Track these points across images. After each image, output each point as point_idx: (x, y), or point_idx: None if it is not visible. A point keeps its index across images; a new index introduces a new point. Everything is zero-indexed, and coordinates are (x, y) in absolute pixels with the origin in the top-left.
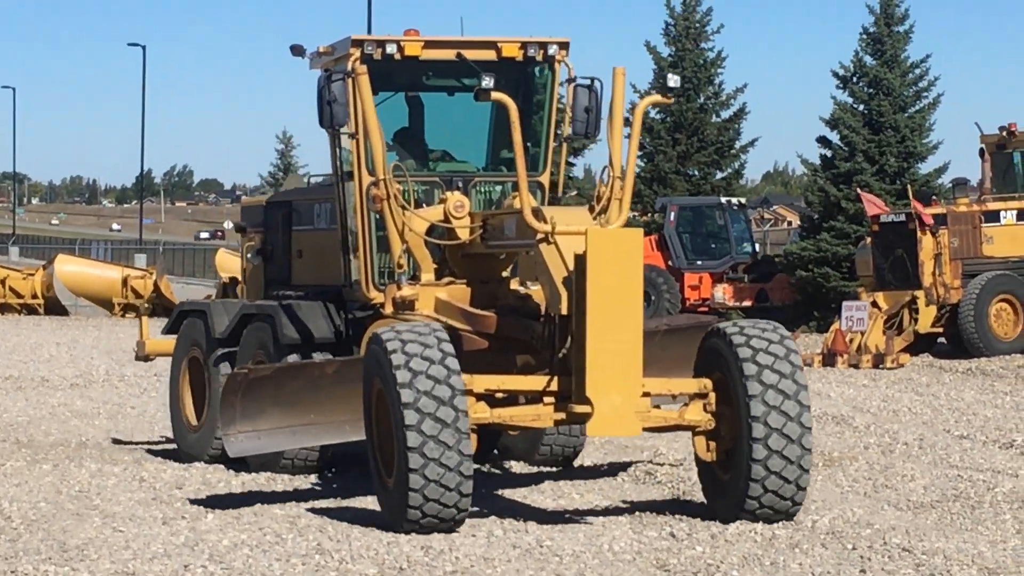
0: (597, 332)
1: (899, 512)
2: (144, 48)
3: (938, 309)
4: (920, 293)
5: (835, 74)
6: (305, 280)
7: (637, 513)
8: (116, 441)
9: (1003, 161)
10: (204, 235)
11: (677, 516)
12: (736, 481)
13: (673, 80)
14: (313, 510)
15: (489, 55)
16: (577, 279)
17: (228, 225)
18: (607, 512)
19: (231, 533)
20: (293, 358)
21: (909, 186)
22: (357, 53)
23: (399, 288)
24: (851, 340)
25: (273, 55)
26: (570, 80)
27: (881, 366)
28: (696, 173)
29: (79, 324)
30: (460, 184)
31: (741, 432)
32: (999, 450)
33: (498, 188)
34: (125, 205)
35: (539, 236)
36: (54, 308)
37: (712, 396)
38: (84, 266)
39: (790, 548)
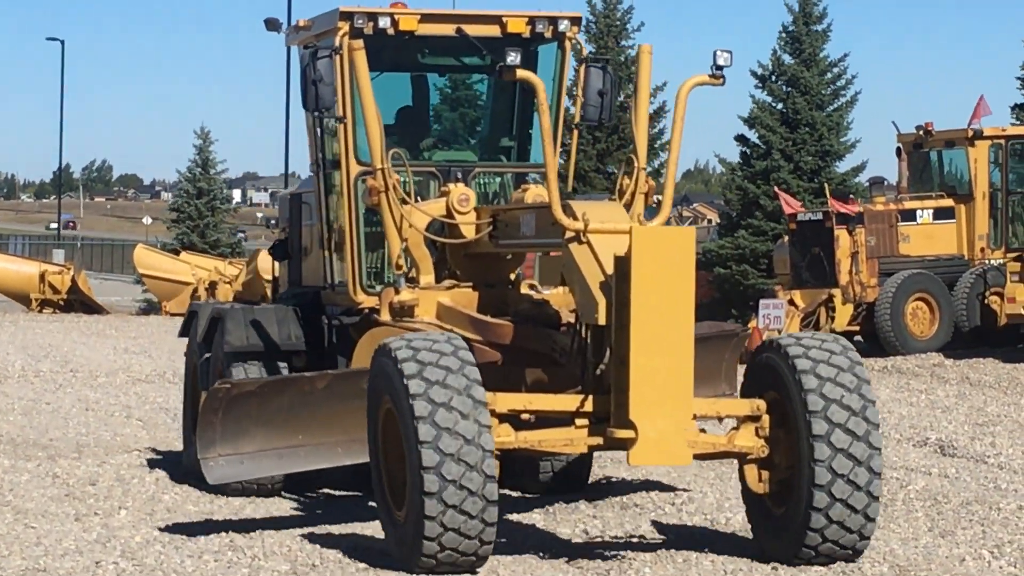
0: (643, 346)
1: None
2: (63, 42)
3: (855, 307)
4: (837, 291)
5: (754, 73)
6: (311, 280)
7: (671, 551)
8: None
9: (920, 160)
10: (53, 226)
11: (718, 554)
12: (794, 514)
13: (723, 58)
14: (226, 507)
15: (493, 31)
16: (618, 284)
17: (147, 220)
18: (636, 544)
19: (143, 530)
20: (244, 369)
21: (826, 184)
22: (346, 27)
23: (397, 292)
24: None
25: (191, 49)
26: (582, 60)
27: None
28: (615, 171)
29: (4, 319)
30: (459, 175)
31: (799, 458)
32: (913, 448)
33: (496, 180)
34: (44, 200)
35: (569, 235)
36: None
37: (765, 419)
38: (1, 261)
39: (702, 544)
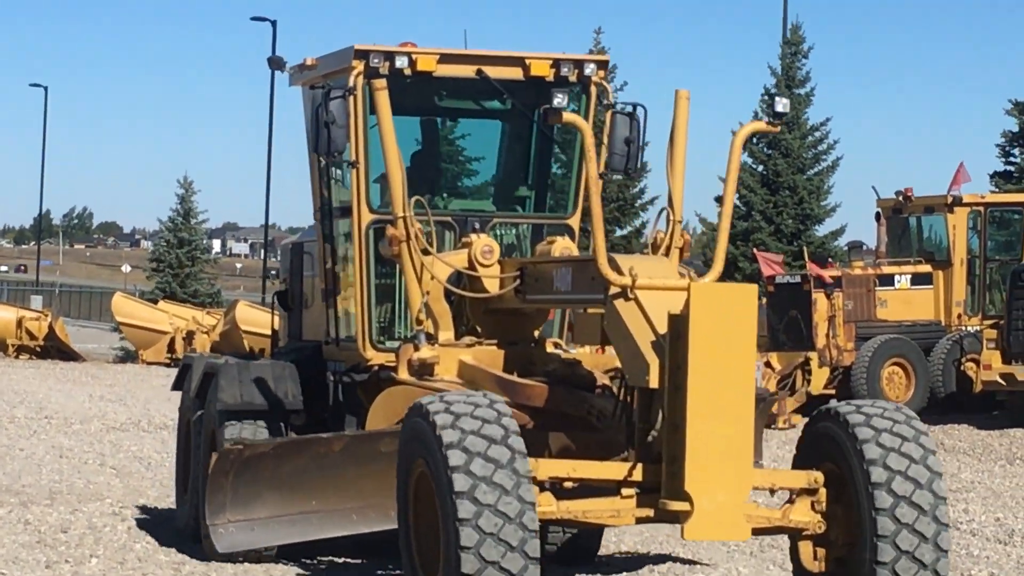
0: (701, 411)
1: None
2: (46, 88)
3: (831, 371)
4: (813, 355)
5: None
6: (311, 335)
7: None
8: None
9: (898, 225)
10: (3, 268)
11: None
12: None
13: (782, 104)
14: (197, 557)
15: (515, 73)
16: (672, 344)
17: (126, 269)
18: None
19: None
20: (239, 428)
21: (805, 248)
22: (360, 67)
23: (416, 348)
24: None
25: (173, 98)
26: (608, 106)
27: (773, 426)
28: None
29: None
30: (476, 226)
31: (860, 534)
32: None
33: (512, 232)
34: (23, 246)
35: (615, 290)
36: None
37: (822, 492)
38: None
39: None
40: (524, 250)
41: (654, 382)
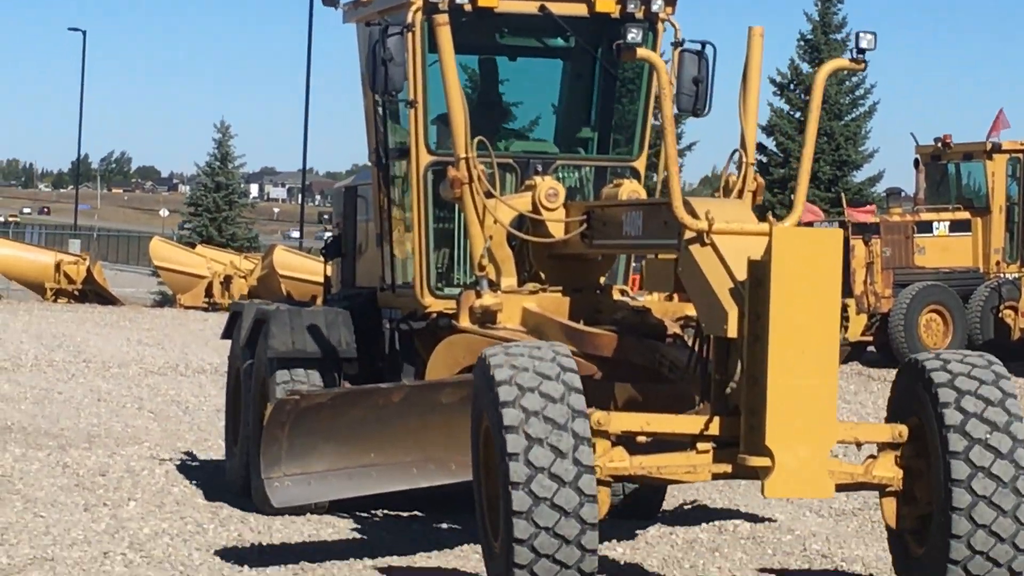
0: (783, 362)
1: (820, 519)
2: (84, 33)
3: (868, 318)
4: (851, 301)
5: (772, 80)
6: (365, 281)
7: None
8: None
9: (937, 172)
10: (27, 211)
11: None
12: (932, 558)
13: (866, 40)
14: (235, 503)
15: (580, 9)
16: (752, 292)
17: (164, 213)
18: None
19: (152, 522)
20: (290, 376)
21: (843, 194)
22: (419, 2)
23: (479, 295)
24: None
25: (212, 42)
26: (676, 44)
27: None
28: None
29: (10, 308)
30: (539, 168)
31: (942, 498)
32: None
33: (575, 175)
34: (61, 190)
35: (690, 235)
36: None
37: (907, 448)
38: (17, 250)
39: (710, 552)
40: (587, 193)
41: (732, 331)
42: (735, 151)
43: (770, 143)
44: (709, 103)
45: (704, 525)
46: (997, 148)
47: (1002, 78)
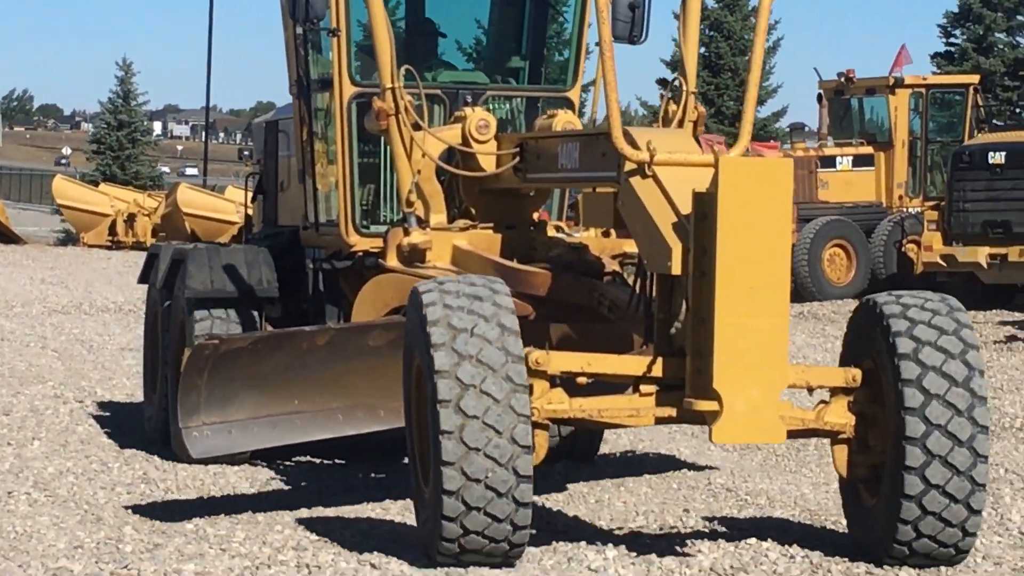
0: (732, 302)
1: (725, 453)
2: None
3: None
4: None
5: (676, 15)
6: (287, 219)
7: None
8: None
9: (840, 107)
10: (63, 162)
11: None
12: (883, 512)
13: None
14: (138, 443)
15: None
16: (698, 226)
17: (67, 151)
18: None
19: (57, 461)
20: (209, 317)
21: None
22: None
23: (407, 233)
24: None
25: None
26: None
27: None
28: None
29: None
30: (469, 98)
31: (894, 446)
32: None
33: (506, 106)
34: None
35: (630, 167)
36: None
37: (860, 394)
38: None
39: (615, 487)
40: (520, 125)
41: (677, 268)
42: (674, 78)
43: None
44: (646, 30)
45: (609, 460)
46: (900, 83)
47: (905, 14)
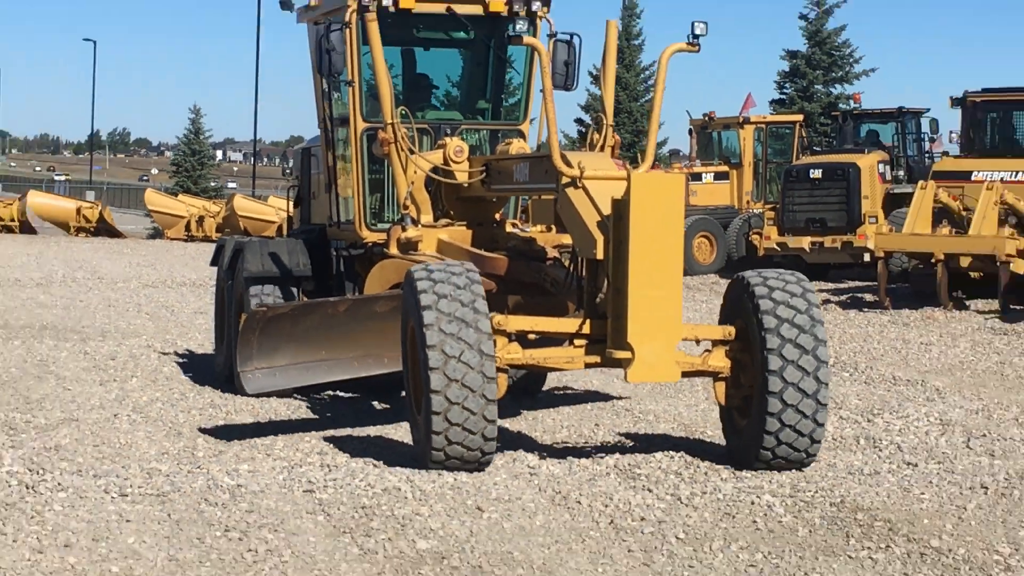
0: (640, 278)
1: (624, 386)
2: (95, 43)
3: None
4: None
5: (594, 72)
6: (318, 220)
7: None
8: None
9: (705, 138)
10: (145, 178)
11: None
12: (752, 429)
13: (700, 28)
14: (209, 381)
15: (477, 10)
16: (616, 224)
17: (155, 171)
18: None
19: (149, 392)
20: (260, 291)
21: (639, 153)
22: (354, 5)
23: (404, 229)
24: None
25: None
26: (551, 35)
27: None
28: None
29: (44, 241)
30: (448, 131)
31: (759, 383)
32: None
33: (475, 136)
34: (80, 155)
35: (566, 180)
36: (26, 229)
37: (734, 343)
38: (49, 199)
39: (545, 408)
40: (485, 150)
41: (600, 254)
42: (598, 114)
43: (586, 117)
44: (576, 80)
45: (547, 392)
46: (747, 121)
47: (752, 68)
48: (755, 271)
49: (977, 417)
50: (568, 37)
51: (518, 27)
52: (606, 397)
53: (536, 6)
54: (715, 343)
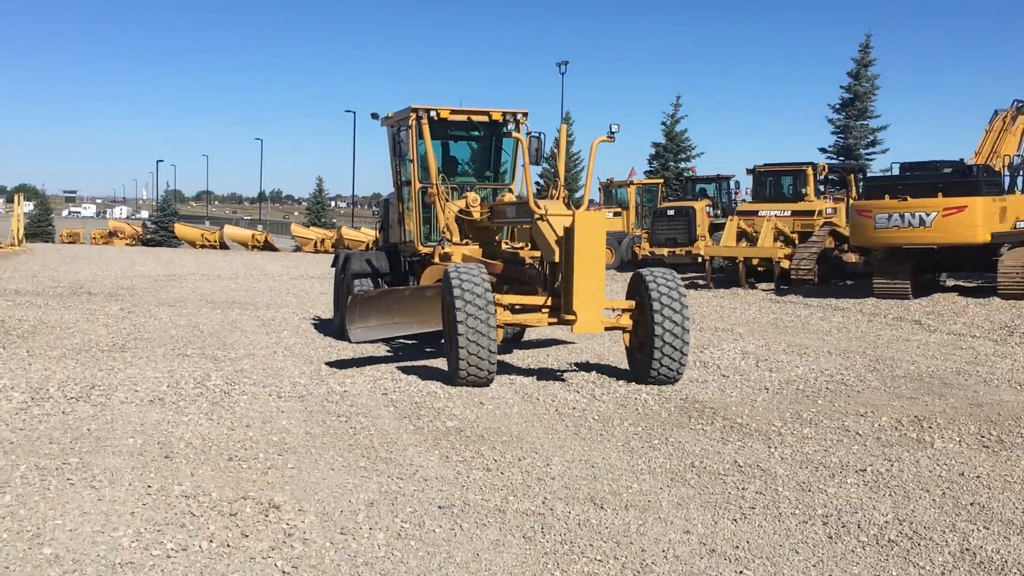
0: (581, 273)
1: (572, 336)
2: (354, 114)
3: None
4: None
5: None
6: (393, 240)
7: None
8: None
9: (608, 192)
10: (288, 218)
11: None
12: (646, 359)
13: (615, 127)
14: (329, 332)
15: (484, 119)
16: (567, 241)
17: (296, 213)
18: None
19: (293, 339)
20: (360, 282)
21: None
22: (414, 116)
23: (443, 248)
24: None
25: (330, 138)
26: (528, 133)
27: None
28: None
29: (233, 254)
30: (468, 189)
31: (649, 333)
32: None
33: (483, 192)
34: (253, 204)
35: (537, 215)
36: (223, 247)
37: (635, 311)
38: (236, 229)
39: (523, 351)
40: (490, 199)
41: (557, 259)
42: (554, 177)
43: (541, 181)
44: (541, 159)
45: (525, 341)
46: (632, 183)
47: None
48: (647, 269)
49: (762, 349)
50: (538, 134)
51: (510, 128)
52: (559, 342)
53: (520, 116)
54: (623, 311)
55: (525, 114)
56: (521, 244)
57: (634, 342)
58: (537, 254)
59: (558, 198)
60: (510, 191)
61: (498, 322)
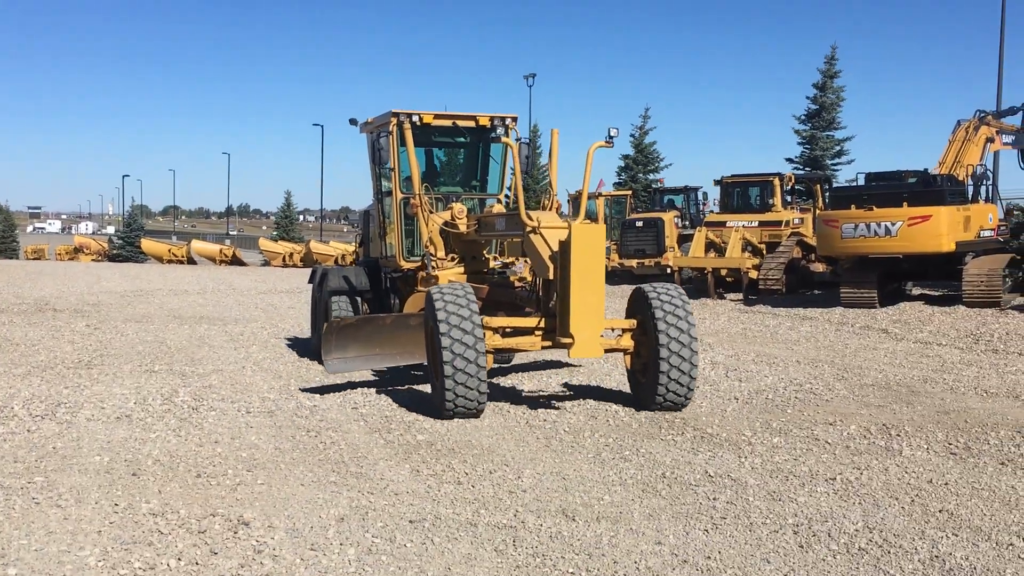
0: (579, 290)
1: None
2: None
3: None
4: None
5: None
6: (373, 255)
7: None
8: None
9: (575, 205)
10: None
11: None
12: (651, 383)
13: (613, 131)
14: (304, 352)
15: (471, 123)
16: (562, 256)
17: (264, 229)
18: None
19: (263, 353)
20: (337, 300)
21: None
22: (395, 121)
23: (428, 271)
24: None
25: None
26: (518, 139)
27: None
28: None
29: (200, 269)
30: (454, 199)
31: (654, 354)
32: (620, 332)
33: (470, 202)
34: (220, 218)
35: (529, 228)
36: (190, 261)
37: (637, 330)
38: (204, 244)
39: (516, 372)
40: (477, 211)
41: (551, 275)
42: (548, 189)
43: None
44: (531, 166)
45: (515, 364)
46: (600, 195)
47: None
48: (649, 284)
49: (731, 359)
50: (526, 140)
51: (499, 132)
52: (554, 364)
53: (509, 121)
54: (624, 330)
55: (515, 118)
56: (512, 257)
57: (636, 364)
58: (526, 276)
59: (551, 209)
60: (499, 201)
61: (487, 347)
